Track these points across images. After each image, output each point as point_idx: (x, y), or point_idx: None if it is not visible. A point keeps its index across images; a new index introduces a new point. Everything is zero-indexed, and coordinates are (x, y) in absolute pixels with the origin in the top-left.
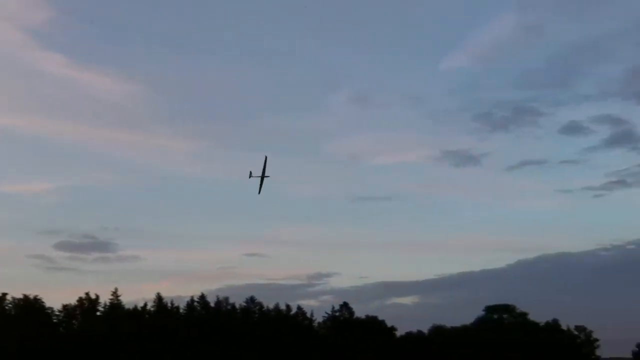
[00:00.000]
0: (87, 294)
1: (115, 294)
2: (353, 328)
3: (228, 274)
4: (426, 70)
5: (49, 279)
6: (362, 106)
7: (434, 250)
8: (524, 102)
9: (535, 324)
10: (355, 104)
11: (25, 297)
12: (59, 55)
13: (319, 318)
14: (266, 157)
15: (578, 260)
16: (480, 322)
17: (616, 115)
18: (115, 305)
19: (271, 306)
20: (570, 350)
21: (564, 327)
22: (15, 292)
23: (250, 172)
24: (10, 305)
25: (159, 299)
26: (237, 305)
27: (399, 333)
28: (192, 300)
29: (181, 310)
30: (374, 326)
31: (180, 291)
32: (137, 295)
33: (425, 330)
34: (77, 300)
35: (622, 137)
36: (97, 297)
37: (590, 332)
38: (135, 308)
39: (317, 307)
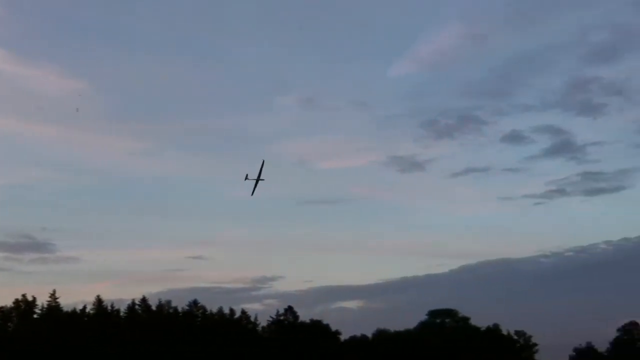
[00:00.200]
0: (23, 295)
1: (53, 296)
2: (297, 332)
3: (171, 276)
4: (374, 76)
5: None
6: (310, 109)
7: (378, 255)
8: (469, 110)
9: (476, 329)
10: (304, 107)
11: None
12: (0, 50)
13: (263, 322)
14: (263, 161)
15: (519, 266)
16: (423, 326)
17: (556, 126)
18: (54, 308)
19: (214, 310)
20: (510, 355)
21: (504, 331)
22: None
23: (247, 175)
24: None
25: (99, 301)
26: (180, 309)
27: (343, 337)
28: (133, 303)
29: (122, 314)
30: (318, 330)
31: (121, 294)
32: (76, 297)
33: (369, 334)
34: (13, 302)
35: (561, 147)
36: (34, 299)
37: (530, 336)
38: (74, 311)
39: (262, 311)
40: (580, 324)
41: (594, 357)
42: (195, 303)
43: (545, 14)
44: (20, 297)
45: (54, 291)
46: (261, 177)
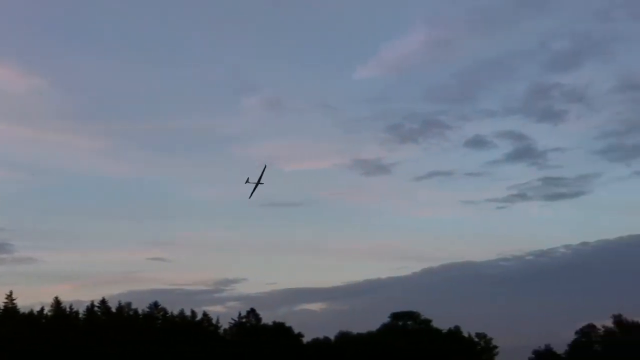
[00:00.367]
0: None
1: (10, 297)
2: (259, 334)
3: (131, 278)
4: (340, 79)
5: None
6: (276, 111)
7: (342, 257)
8: (433, 115)
9: (438, 331)
10: (270, 109)
11: None
12: None
13: (225, 324)
14: (265, 166)
15: (480, 269)
16: (385, 328)
17: (518, 131)
18: (10, 310)
19: (176, 312)
20: (470, 357)
21: (466, 334)
22: None
23: (248, 179)
24: None
25: (57, 303)
26: (140, 311)
27: (306, 339)
28: (92, 305)
29: (80, 315)
30: (281, 332)
31: (79, 295)
32: (34, 299)
33: (332, 336)
34: None
35: (523, 153)
36: None
37: (490, 339)
38: (32, 312)
39: (224, 313)
40: (539, 327)
41: (552, 359)
42: (156, 305)
43: (508, 21)
44: None
45: (11, 292)
46: (261, 181)
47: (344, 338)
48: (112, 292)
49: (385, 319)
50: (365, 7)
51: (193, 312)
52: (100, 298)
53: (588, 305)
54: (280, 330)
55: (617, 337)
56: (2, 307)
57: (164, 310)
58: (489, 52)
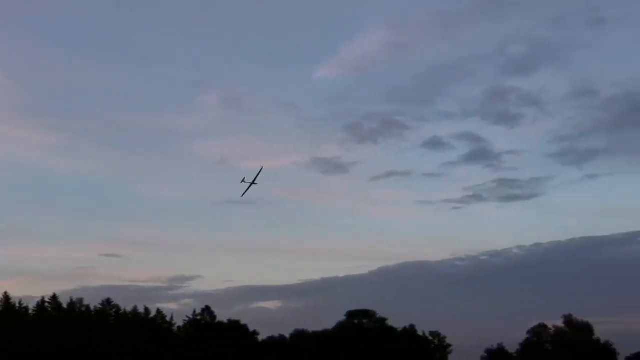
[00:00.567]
0: None
1: None
2: (214, 332)
3: (83, 274)
4: (300, 78)
5: None
6: (234, 109)
7: (299, 256)
8: (391, 115)
9: (393, 329)
10: (227, 106)
11: None
12: None
13: (179, 322)
14: (262, 168)
15: (435, 269)
16: (341, 327)
17: (475, 134)
18: None
19: (129, 309)
20: (424, 355)
21: (420, 332)
22: None
23: (244, 179)
24: None
25: (6, 298)
26: (92, 307)
27: (261, 337)
28: (42, 300)
29: (30, 311)
30: (236, 330)
31: (30, 291)
32: None
33: (287, 334)
34: None
35: (479, 154)
36: None
37: (444, 337)
38: None
39: (178, 311)
40: (492, 326)
41: (504, 358)
42: (108, 301)
43: (466, 25)
44: None
45: None
46: (255, 182)
47: (300, 336)
48: (64, 288)
49: (341, 317)
50: (326, 7)
51: (147, 309)
52: (51, 294)
53: (540, 305)
54: (235, 328)
55: (567, 336)
56: None
57: (117, 307)
58: (447, 55)
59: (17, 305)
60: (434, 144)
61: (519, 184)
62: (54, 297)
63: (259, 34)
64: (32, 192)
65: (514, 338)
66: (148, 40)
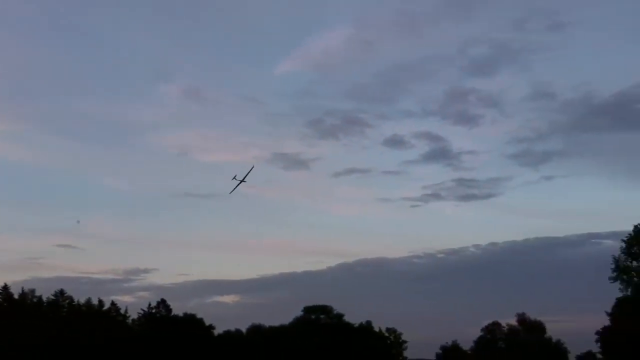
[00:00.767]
0: None
1: None
2: (168, 325)
3: (35, 265)
4: (262, 72)
5: None
6: (194, 101)
7: (257, 250)
8: (353, 112)
9: (350, 325)
10: (187, 98)
11: None
12: None
13: (134, 314)
14: (253, 167)
15: (393, 266)
16: (297, 322)
17: (435, 133)
18: None
19: (82, 300)
20: (380, 351)
21: (377, 328)
22: None
23: (235, 176)
24: None
25: None
26: (45, 299)
27: (217, 332)
28: None
29: None
30: (192, 324)
31: None
32: None
33: (244, 329)
34: None
35: (438, 154)
36: None
37: (400, 334)
38: None
39: (133, 304)
40: (448, 323)
41: (458, 355)
42: (61, 293)
43: (430, 25)
44: None
45: None
46: (244, 180)
47: (256, 331)
48: (15, 278)
49: (299, 312)
50: (290, 2)
51: (100, 301)
52: (2, 284)
53: (494, 304)
54: (191, 322)
55: (520, 335)
56: None
57: (70, 299)
58: (410, 55)
59: None
60: (395, 142)
61: (477, 184)
62: (5, 287)
63: (222, 26)
64: None
65: (468, 335)
66: (108, 29)
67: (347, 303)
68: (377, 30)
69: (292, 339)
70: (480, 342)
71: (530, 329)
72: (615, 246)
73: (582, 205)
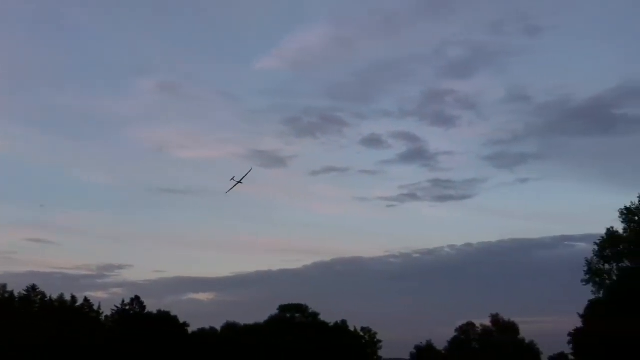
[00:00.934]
0: None
1: None
2: (142, 322)
3: (6, 259)
4: (239, 68)
5: None
6: (171, 96)
7: (233, 248)
8: (331, 111)
9: (325, 324)
10: (164, 93)
11: None
12: None
13: (107, 311)
14: (251, 169)
15: (369, 265)
16: (272, 320)
17: (412, 133)
18: None
19: (55, 296)
20: (355, 351)
21: (352, 328)
22: None
23: (234, 177)
24: None
25: None
26: (16, 294)
27: (192, 329)
28: None
29: None
30: (166, 322)
31: None
32: None
33: (219, 327)
34: None
35: (415, 154)
36: None
37: (375, 333)
38: None
39: (107, 300)
40: (422, 323)
41: (432, 355)
42: (34, 288)
43: (408, 25)
44: None
45: None
46: (241, 181)
47: (231, 329)
48: None
49: (274, 311)
50: None
51: (73, 297)
52: None
53: (468, 304)
54: (165, 319)
55: (493, 335)
56: None
57: (43, 294)
58: (388, 54)
59: None
60: (372, 141)
61: (453, 185)
62: None
63: (201, 21)
64: None
65: (443, 335)
66: (85, 22)
67: (323, 302)
68: (356, 29)
69: (266, 338)
70: (454, 343)
71: (503, 329)
72: (588, 249)
73: (556, 207)
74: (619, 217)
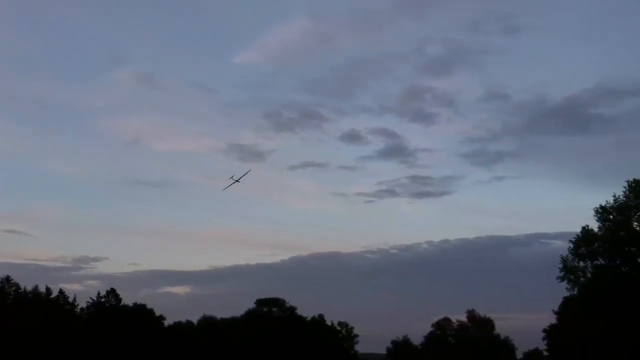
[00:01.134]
0: None
1: None
2: (117, 315)
3: None
4: (219, 61)
5: None
6: (148, 87)
7: (210, 242)
8: (311, 106)
9: (302, 318)
10: (141, 84)
11: None
12: None
13: (82, 303)
14: (250, 170)
15: (347, 260)
16: (249, 314)
17: (391, 130)
18: None
19: (29, 288)
20: (331, 345)
21: (329, 322)
22: None
23: (233, 176)
24: None
25: None
26: None
27: (168, 322)
28: None
29: None
30: (141, 314)
31: None
32: None
33: (195, 320)
34: None
35: (394, 150)
36: None
37: (352, 328)
38: None
39: (82, 292)
40: (399, 318)
41: (408, 350)
42: (7, 279)
43: (388, 22)
44: None
45: None
46: (238, 180)
47: (207, 322)
48: None
49: (251, 305)
50: None
51: (48, 289)
52: None
53: (445, 300)
54: (141, 312)
55: (469, 331)
56: None
57: (17, 286)
58: (368, 51)
59: None
60: (351, 137)
61: (431, 182)
62: None
63: (180, 13)
64: None
65: (419, 330)
66: (61, 12)
67: (300, 296)
68: (336, 25)
69: (243, 332)
70: (430, 338)
71: (479, 325)
72: (563, 247)
73: (533, 206)
74: (594, 215)
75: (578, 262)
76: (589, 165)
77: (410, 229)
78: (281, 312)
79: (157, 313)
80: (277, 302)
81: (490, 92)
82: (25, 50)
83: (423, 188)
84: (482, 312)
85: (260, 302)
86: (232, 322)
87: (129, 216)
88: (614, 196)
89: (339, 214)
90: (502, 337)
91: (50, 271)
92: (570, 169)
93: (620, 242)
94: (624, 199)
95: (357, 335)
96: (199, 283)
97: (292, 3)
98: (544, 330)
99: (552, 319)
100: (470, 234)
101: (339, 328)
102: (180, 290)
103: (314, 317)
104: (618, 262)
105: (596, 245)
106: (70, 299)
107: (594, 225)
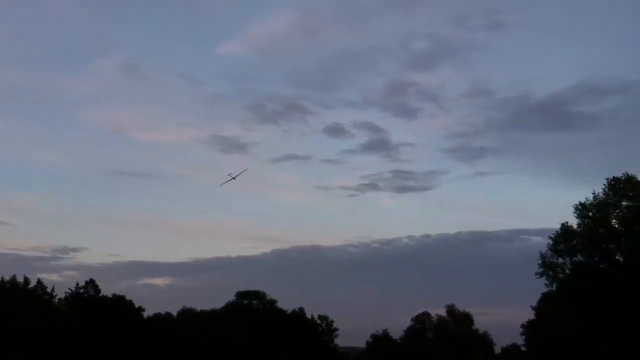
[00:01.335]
0: None
1: None
2: (97, 306)
3: None
4: (202, 52)
5: None
6: (131, 77)
7: (191, 234)
8: (295, 99)
9: (282, 311)
10: (124, 74)
11: None
12: None
13: (61, 294)
14: (247, 169)
15: (328, 253)
16: (229, 307)
17: (375, 124)
18: None
19: (7, 277)
20: (311, 338)
21: (309, 315)
22: None
23: (230, 173)
24: None
25: None
26: None
27: (147, 314)
28: None
29: None
30: (121, 305)
31: None
32: None
33: (175, 312)
34: None
35: (377, 144)
36: None
37: (332, 321)
38: None
39: (61, 283)
40: (379, 312)
41: (387, 344)
42: None
43: (373, 16)
44: None
45: None
46: (235, 177)
47: (187, 314)
48: None
49: (231, 297)
50: None
51: (26, 279)
52: None
53: (425, 294)
54: (120, 303)
55: (449, 325)
56: None
57: None
58: (353, 45)
59: None
60: (335, 130)
61: (414, 176)
62: None
63: (164, 3)
64: None
65: (399, 324)
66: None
67: (281, 289)
68: (322, 18)
69: (223, 324)
70: (409, 332)
71: (458, 320)
72: (543, 243)
73: (514, 202)
74: (574, 212)
75: (557, 259)
76: (571, 162)
77: (392, 223)
78: (261, 305)
79: (137, 304)
80: (257, 295)
81: (474, 88)
82: (6, 38)
83: (405, 182)
84: (461, 307)
85: (241, 295)
86: (211, 314)
87: (110, 207)
88: (594, 193)
89: (321, 207)
90: (480, 332)
91: (28, 261)
92: (552, 165)
93: (599, 239)
94: (604, 196)
95: (337, 329)
96: (180, 275)
97: None
98: (522, 326)
99: (531, 315)
100: (451, 229)
101: (319, 321)
102: (160, 281)
103: (294, 310)
104: (596, 258)
105: (575, 242)
106: (49, 290)
107: (574, 222)
